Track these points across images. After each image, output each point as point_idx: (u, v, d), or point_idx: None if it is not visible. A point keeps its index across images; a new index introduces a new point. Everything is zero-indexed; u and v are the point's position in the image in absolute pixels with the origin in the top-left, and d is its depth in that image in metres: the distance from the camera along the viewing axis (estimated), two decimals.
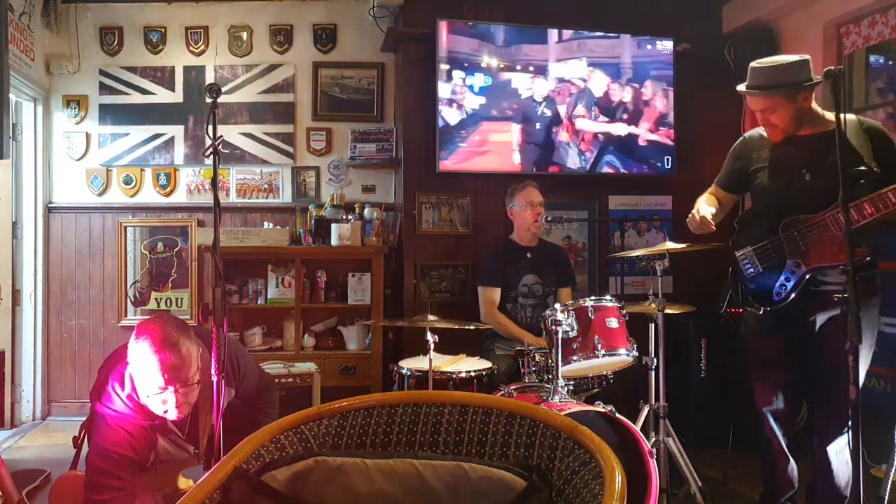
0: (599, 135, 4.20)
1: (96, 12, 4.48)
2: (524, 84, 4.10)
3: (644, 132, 4.27)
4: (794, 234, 2.34)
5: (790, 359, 2.50)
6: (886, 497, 2.46)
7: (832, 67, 1.97)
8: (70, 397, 4.38)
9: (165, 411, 2.00)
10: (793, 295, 2.34)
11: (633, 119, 4.25)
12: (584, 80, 4.19)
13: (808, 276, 2.32)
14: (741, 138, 2.67)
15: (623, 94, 4.24)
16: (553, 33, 4.15)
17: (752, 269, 2.44)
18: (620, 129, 4.24)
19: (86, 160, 4.49)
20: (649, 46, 4.27)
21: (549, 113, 4.14)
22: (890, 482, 2.52)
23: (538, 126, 4.12)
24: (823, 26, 3.80)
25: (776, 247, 2.39)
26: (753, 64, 2.41)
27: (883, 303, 2.43)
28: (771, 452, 2.57)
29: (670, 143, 4.29)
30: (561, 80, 4.15)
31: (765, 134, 2.51)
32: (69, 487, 2.11)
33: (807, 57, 2.40)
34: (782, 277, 2.35)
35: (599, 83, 4.21)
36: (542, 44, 4.13)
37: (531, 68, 4.11)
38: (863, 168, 2.27)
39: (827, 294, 2.29)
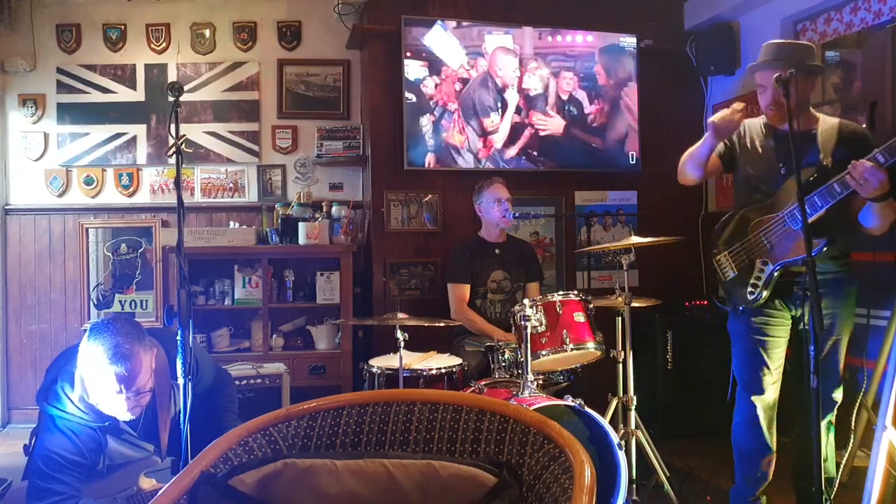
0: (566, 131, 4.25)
1: (52, 9, 4.36)
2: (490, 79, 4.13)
3: (610, 128, 4.33)
4: (759, 234, 2.41)
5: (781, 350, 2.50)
6: (837, 479, 2.54)
7: (781, 73, 2.02)
8: (31, 403, 4.25)
9: (117, 412, 1.98)
10: (765, 293, 2.38)
11: (601, 114, 4.30)
12: (552, 78, 4.22)
13: (777, 273, 2.36)
14: None
15: (589, 90, 4.28)
16: (515, 30, 4.17)
17: (730, 273, 2.50)
18: (588, 125, 4.29)
19: (44, 160, 4.37)
20: (615, 43, 4.32)
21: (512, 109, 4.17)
22: (847, 465, 2.61)
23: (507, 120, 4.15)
24: (781, 23, 3.89)
25: (746, 248, 2.46)
26: (766, 43, 2.44)
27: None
28: (757, 446, 2.51)
29: (636, 139, 4.35)
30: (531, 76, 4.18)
31: (746, 123, 2.51)
32: None
33: (811, 45, 2.52)
34: (753, 278, 2.41)
35: (566, 81, 4.25)
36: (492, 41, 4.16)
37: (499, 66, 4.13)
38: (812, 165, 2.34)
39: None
